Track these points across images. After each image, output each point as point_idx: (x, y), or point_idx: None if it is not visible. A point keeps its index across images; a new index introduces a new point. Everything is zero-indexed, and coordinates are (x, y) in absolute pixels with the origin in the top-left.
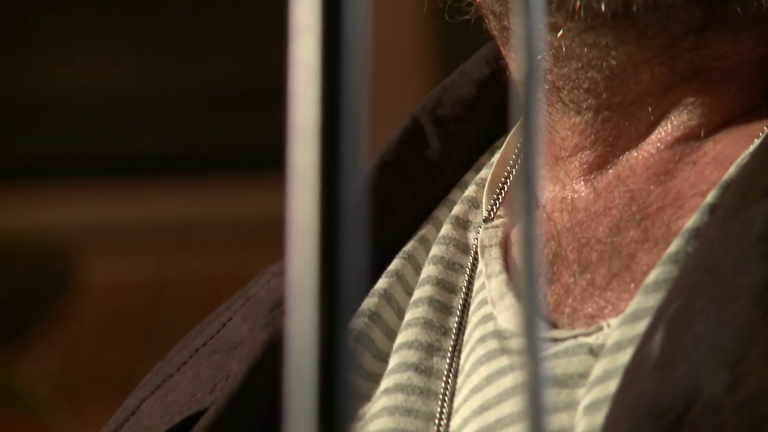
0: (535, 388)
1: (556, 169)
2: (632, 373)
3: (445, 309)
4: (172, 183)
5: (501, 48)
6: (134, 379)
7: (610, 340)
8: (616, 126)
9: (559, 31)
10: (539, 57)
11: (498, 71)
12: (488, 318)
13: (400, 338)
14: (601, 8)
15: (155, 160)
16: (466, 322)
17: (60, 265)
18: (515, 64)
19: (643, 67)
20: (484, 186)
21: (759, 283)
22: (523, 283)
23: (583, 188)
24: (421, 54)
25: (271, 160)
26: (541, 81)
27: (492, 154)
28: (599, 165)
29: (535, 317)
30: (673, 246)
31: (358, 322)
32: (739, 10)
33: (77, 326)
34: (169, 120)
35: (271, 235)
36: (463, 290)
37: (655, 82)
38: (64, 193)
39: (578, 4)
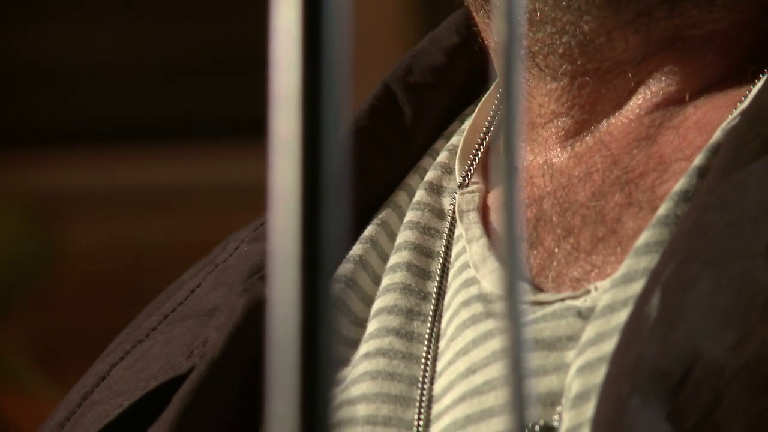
0: (517, 351)
1: (533, 135)
2: (630, 335)
3: (423, 274)
4: (153, 149)
5: (474, 14)
6: None
7: (601, 302)
8: (593, 92)
9: None
10: (519, 21)
11: (468, 39)
12: (471, 282)
13: (378, 303)
14: None
15: (136, 127)
16: (445, 286)
17: (41, 231)
18: (493, 29)
19: (616, 34)
20: (455, 152)
21: (756, 248)
22: (504, 246)
23: (563, 153)
24: (403, 21)
25: (251, 127)
26: (521, 45)
27: (462, 122)
28: (577, 131)
29: (516, 280)
30: (663, 209)
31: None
32: None
33: (58, 292)
34: (150, 87)
35: (251, 201)
36: (441, 255)
37: (630, 51)
38: (45, 160)
39: None
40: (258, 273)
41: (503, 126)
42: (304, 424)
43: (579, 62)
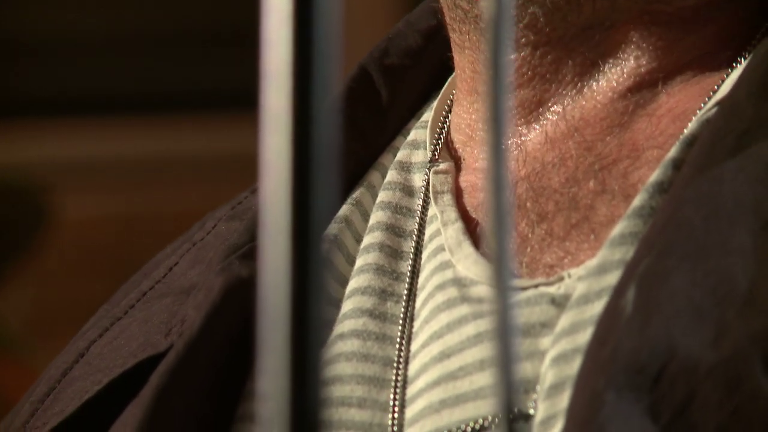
0: (504, 335)
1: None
2: (605, 328)
3: (396, 254)
4: (144, 120)
5: (446, 11)
6: None
7: (576, 292)
8: (555, 61)
9: None
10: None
11: (443, 22)
12: (446, 265)
13: (352, 284)
14: None
15: (128, 98)
16: (419, 266)
17: (33, 201)
18: (482, 3)
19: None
20: (424, 128)
21: (731, 243)
22: (491, 229)
23: (536, 137)
24: None
25: (241, 99)
26: (509, 22)
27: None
28: (538, 104)
29: (505, 265)
30: (638, 200)
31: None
32: None
33: (50, 261)
34: (141, 58)
35: (241, 172)
36: (415, 234)
37: (597, 16)
38: (37, 130)
39: None
40: (236, 252)
41: (488, 106)
42: (295, 393)
43: (544, 31)
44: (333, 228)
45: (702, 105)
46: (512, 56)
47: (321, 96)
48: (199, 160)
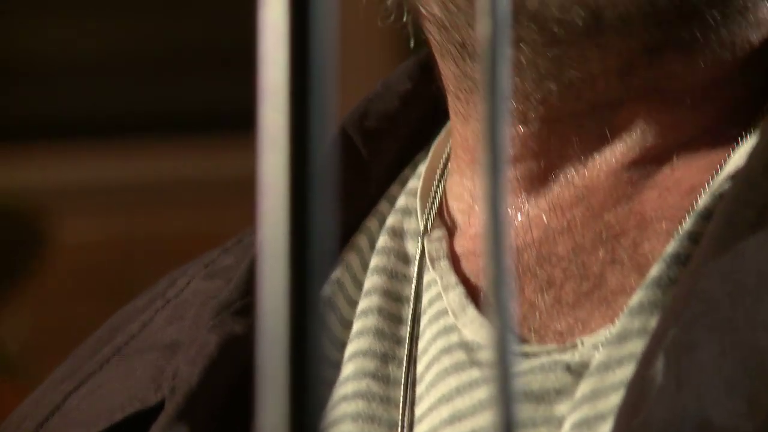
0: (506, 401)
1: None
2: (636, 396)
3: (394, 318)
4: (143, 143)
5: (438, 58)
6: None
7: (596, 359)
8: (563, 136)
9: (521, 44)
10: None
11: (419, 85)
12: (451, 329)
13: (352, 347)
14: (577, 22)
15: (126, 121)
16: (418, 331)
17: (30, 225)
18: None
19: (599, 78)
20: (413, 195)
21: (757, 318)
22: (492, 292)
23: (539, 204)
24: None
25: (240, 120)
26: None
27: (415, 167)
28: (542, 177)
29: (507, 329)
30: (655, 270)
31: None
32: (698, 34)
33: (49, 285)
34: (140, 80)
35: (241, 195)
36: (412, 300)
37: (609, 94)
38: (34, 154)
39: (553, 16)
40: (228, 309)
41: (486, 161)
42: (294, 420)
43: (556, 107)
44: (326, 289)
45: (710, 179)
46: (521, 130)
47: (318, 116)
48: (197, 182)
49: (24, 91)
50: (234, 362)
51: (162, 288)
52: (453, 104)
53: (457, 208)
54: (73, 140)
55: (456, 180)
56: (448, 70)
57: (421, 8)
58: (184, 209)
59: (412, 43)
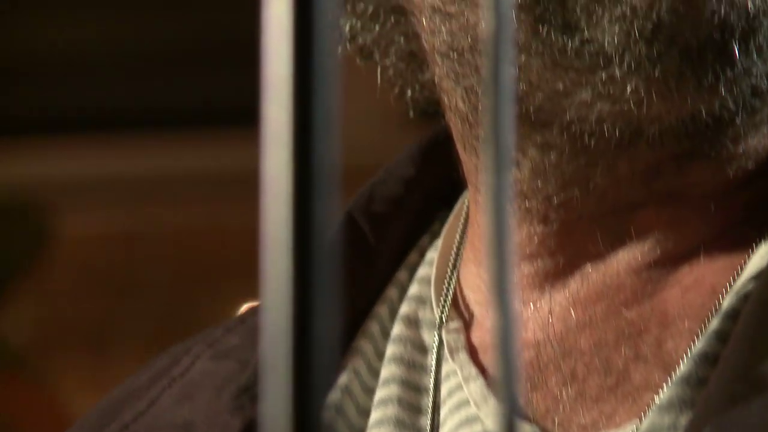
0: None
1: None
2: None
3: (413, 408)
4: (146, 137)
5: (459, 149)
6: (109, 331)
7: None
8: (582, 236)
9: (551, 150)
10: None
11: (422, 170)
12: (473, 419)
13: None
14: (614, 135)
15: (128, 115)
16: (438, 422)
17: (32, 220)
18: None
19: (625, 183)
20: (426, 283)
21: None
22: (500, 383)
23: (559, 299)
24: None
25: (243, 115)
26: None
27: (420, 253)
28: (557, 274)
29: (515, 419)
30: (684, 368)
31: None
32: (729, 144)
33: (51, 280)
34: (142, 75)
35: (243, 190)
36: (431, 390)
37: (632, 197)
38: (36, 149)
39: (591, 129)
40: (247, 393)
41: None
42: (298, 416)
43: (577, 209)
44: (342, 378)
45: (731, 279)
46: (539, 229)
47: (322, 111)
48: (200, 177)
49: (25, 85)
50: None
51: (164, 365)
52: (473, 196)
53: (473, 299)
54: (74, 135)
55: (472, 270)
56: (470, 163)
57: (445, 99)
58: (187, 204)
59: (411, 115)
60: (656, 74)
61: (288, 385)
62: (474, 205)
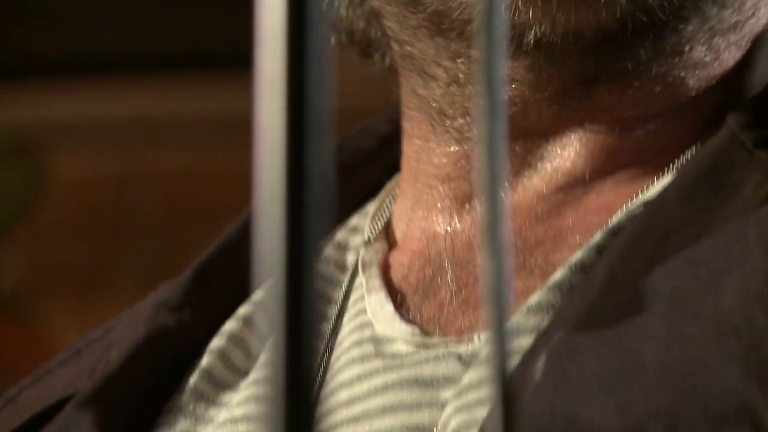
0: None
1: (426, 196)
2: (512, 389)
3: (319, 317)
4: (138, 80)
5: (401, 76)
6: (100, 274)
7: (485, 349)
8: None
9: (458, 59)
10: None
11: (399, 130)
12: (365, 325)
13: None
14: (528, 40)
15: (121, 58)
16: (339, 327)
17: (25, 163)
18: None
19: (532, 105)
20: (364, 216)
21: (642, 327)
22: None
23: (466, 218)
24: None
25: (235, 59)
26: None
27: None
28: (470, 197)
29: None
30: (559, 275)
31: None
32: (629, 66)
33: (44, 222)
34: (135, 17)
35: (236, 133)
36: (339, 302)
37: (541, 123)
38: (29, 91)
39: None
40: (165, 305)
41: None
42: (292, 359)
43: None
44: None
45: (629, 201)
46: (454, 147)
47: (316, 61)
48: (193, 120)
49: (16, 29)
50: (159, 353)
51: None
52: (403, 125)
53: (397, 226)
54: (67, 77)
55: (399, 200)
56: (403, 90)
57: (384, 20)
58: (180, 147)
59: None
60: None
61: (284, 336)
62: (404, 136)
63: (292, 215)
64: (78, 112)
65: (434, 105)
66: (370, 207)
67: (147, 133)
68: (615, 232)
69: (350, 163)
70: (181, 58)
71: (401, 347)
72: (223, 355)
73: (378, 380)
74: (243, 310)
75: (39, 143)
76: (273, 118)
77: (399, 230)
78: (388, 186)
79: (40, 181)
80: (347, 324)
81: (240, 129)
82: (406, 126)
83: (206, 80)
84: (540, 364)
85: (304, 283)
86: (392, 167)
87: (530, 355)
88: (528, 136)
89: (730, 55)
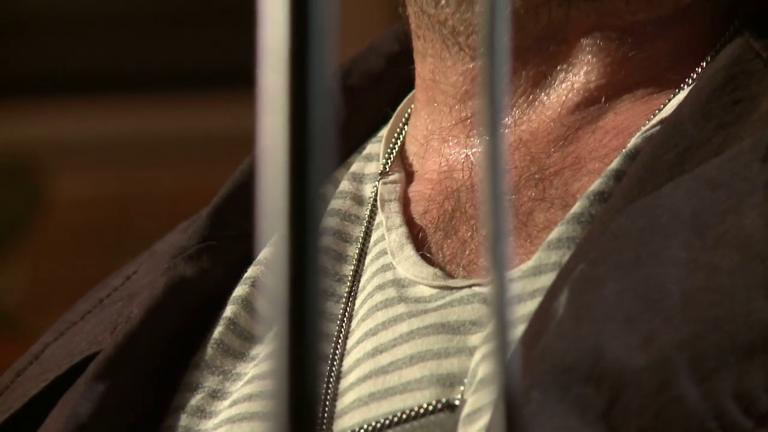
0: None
1: (444, 114)
2: (536, 328)
3: (340, 258)
4: (139, 99)
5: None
6: None
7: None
8: (509, 72)
9: None
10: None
11: (407, 47)
12: (387, 267)
13: None
14: None
15: (122, 77)
16: (362, 270)
17: (27, 181)
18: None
19: (542, 8)
20: (378, 141)
21: (665, 254)
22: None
23: (479, 147)
24: None
25: (238, 77)
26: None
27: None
28: None
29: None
30: (578, 206)
31: (256, 270)
32: None
33: (45, 241)
34: (136, 35)
35: (236, 150)
36: (360, 240)
37: (552, 26)
38: (30, 110)
39: None
40: (182, 254)
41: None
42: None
43: None
44: None
45: (646, 122)
46: (469, 65)
47: (318, 74)
48: (194, 138)
49: (18, 46)
50: (180, 304)
51: (155, 245)
52: (414, 44)
53: (411, 151)
54: (68, 96)
55: (413, 122)
56: (410, 8)
57: None
58: (181, 165)
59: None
60: None
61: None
62: (415, 55)
63: (294, 234)
64: (78, 131)
65: (448, 23)
66: (384, 131)
67: (147, 152)
68: (632, 156)
69: (359, 87)
70: (180, 77)
71: (424, 290)
72: (247, 304)
73: (403, 327)
74: (264, 252)
75: (40, 162)
76: (276, 134)
77: (413, 154)
78: (400, 108)
79: (41, 200)
80: (369, 266)
81: (241, 147)
82: (418, 45)
83: (208, 98)
84: (562, 299)
85: (309, 311)
86: (402, 87)
87: (552, 292)
88: (541, 42)
89: None
